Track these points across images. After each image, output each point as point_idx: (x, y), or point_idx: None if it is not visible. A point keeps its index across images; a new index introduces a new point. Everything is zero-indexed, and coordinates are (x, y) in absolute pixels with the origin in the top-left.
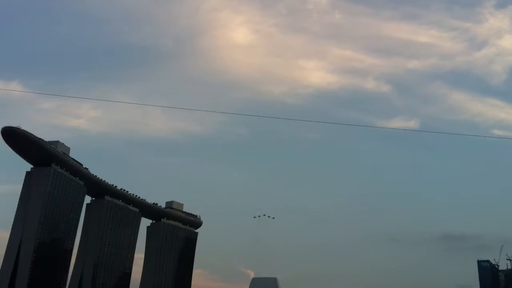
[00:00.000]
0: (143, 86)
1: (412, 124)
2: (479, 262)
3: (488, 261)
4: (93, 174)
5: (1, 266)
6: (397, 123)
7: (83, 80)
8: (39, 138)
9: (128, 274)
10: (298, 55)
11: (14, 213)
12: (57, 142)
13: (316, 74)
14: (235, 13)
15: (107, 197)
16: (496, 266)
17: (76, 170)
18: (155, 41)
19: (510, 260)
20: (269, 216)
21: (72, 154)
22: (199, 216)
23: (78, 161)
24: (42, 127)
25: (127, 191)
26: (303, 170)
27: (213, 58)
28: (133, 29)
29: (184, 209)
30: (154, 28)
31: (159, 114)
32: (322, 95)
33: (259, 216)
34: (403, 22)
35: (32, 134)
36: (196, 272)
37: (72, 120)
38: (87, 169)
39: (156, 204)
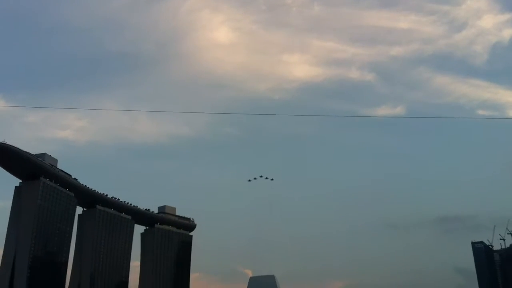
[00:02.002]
0: (128, 93)
1: (399, 110)
2: (473, 244)
3: (482, 242)
4: (82, 184)
5: None
6: (384, 110)
7: (67, 90)
8: (26, 152)
9: (125, 283)
10: (281, 50)
11: (5, 230)
12: (44, 154)
13: (300, 67)
14: (214, 12)
15: (98, 207)
16: (490, 247)
17: (66, 182)
18: (137, 47)
19: (504, 240)
20: (266, 178)
21: (60, 166)
22: (193, 219)
23: (67, 172)
24: (28, 141)
25: (118, 199)
26: (295, 164)
27: (196, 60)
28: (114, 37)
29: (177, 213)
30: (135, 34)
31: (146, 119)
32: (308, 88)
33: (254, 178)
34: (382, 9)
35: (18, 148)
36: (194, 276)
37: (58, 131)
38: (76, 179)
39: (149, 210)
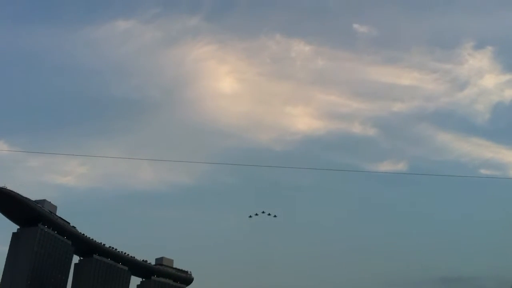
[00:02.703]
0: (130, 139)
1: (401, 166)
2: None
3: None
4: (80, 233)
5: None
6: (386, 166)
7: (70, 135)
8: (26, 198)
9: None
10: (284, 102)
11: (1, 275)
12: (44, 201)
13: (303, 120)
14: (220, 63)
15: (95, 256)
16: None
17: (64, 229)
18: (142, 93)
19: None
20: (269, 214)
21: (59, 213)
22: (190, 271)
23: (66, 219)
24: (29, 186)
25: (116, 249)
26: (294, 216)
27: (200, 108)
28: (120, 82)
29: (175, 265)
30: (141, 80)
31: (147, 166)
32: (310, 140)
33: (256, 214)
34: (385, 66)
35: (18, 194)
36: None
37: (59, 177)
38: (74, 227)
39: (146, 261)
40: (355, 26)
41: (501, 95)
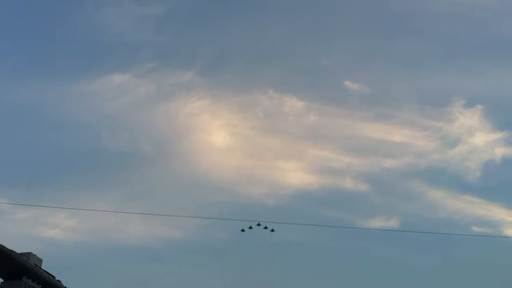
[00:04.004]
0: (121, 192)
1: (393, 223)
2: None
3: None
4: (65, 287)
5: None
6: (378, 222)
7: (61, 188)
8: (11, 250)
9: None
10: (277, 156)
11: None
12: (29, 253)
13: (295, 174)
14: (213, 117)
15: None
16: None
17: (48, 283)
18: (134, 146)
19: None
20: (265, 228)
21: (45, 266)
22: None
23: (51, 273)
24: (15, 238)
25: None
26: (286, 272)
27: (192, 162)
28: (113, 135)
29: None
30: (134, 133)
31: (136, 220)
32: (302, 195)
33: (250, 227)
34: (376, 122)
35: (3, 246)
36: None
37: (47, 230)
38: (59, 281)
39: None
40: (347, 83)
41: (492, 153)
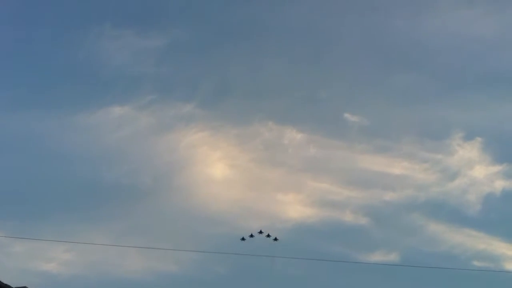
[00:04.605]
0: (119, 226)
1: (393, 257)
2: None
3: None
4: None
5: None
6: (377, 256)
7: (58, 221)
8: (6, 285)
9: None
10: (276, 189)
11: None
12: (25, 287)
13: (294, 207)
14: (212, 149)
15: None
16: None
17: None
18: (133, 179)
19: None
20: (268, 236)
21: None
22: None
23: None
24: (11, 272)
25: None
26: None
27: (191, 194)
28: (112, 168)
29: None
30: (133, 165)
31: (134, 254)
32: (301, 228)
33: (251, 236)
34: (376, 155)
35: None
36: None
37: (43, 263)
38: None
39: None
40: (346, 115)
41: (492, 186)
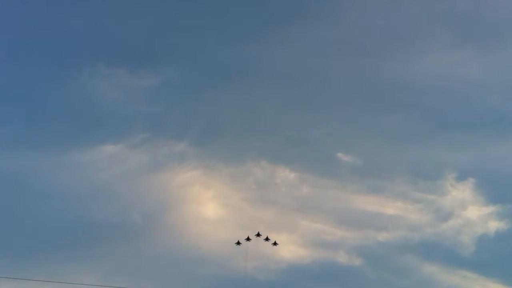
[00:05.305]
0: (108, 265)
1: None
2: None
3: None
4: None
5: None
6: None
7: (45, 261)
8: None
9: None
10: (269, 229)
11: None
12: None
13: (287, 248)
14: (205, 188)
15: None
16: None
17: None
18: (123, 218)
19: None
20: (267, 239)
21: None
22: None
23: None
24: None
25: None
26: None
27: (183, 234)
28: (102, 206)
29: None
30: (124, 204)
31: None
32: (294, 269)
33: (247, 239)
34: (369, 195)
35: None
36: None
37: None
38: None
39: None
40: (339, 155)
41: (485, 227)
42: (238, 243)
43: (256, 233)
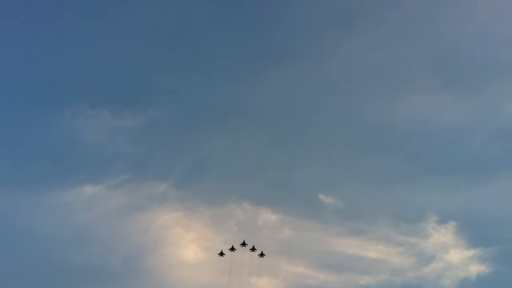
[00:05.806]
0: None
1: None
2: None
3: None
4: None
5: None
6: None
7: None
8: None
9: None
10: (250, 272)
11: None
12: None
13: None
14: (186, 230)
15: None
16: None
17: None
18: (102, 261)
19: None
20: (253, 249)
21: None
22: None
23: None
24: None
25: None
26: None
27: (161, 277)
28: (81, 249)
29: None
30: (103, 246)
31: None
32: None
33: (231, 249)
34: (351, 237)
35: None
36: None
37: None
38: None
39: None
40: (321, 196)
41: (467, 271)
42: (222, 253)
43: (242, 242)
